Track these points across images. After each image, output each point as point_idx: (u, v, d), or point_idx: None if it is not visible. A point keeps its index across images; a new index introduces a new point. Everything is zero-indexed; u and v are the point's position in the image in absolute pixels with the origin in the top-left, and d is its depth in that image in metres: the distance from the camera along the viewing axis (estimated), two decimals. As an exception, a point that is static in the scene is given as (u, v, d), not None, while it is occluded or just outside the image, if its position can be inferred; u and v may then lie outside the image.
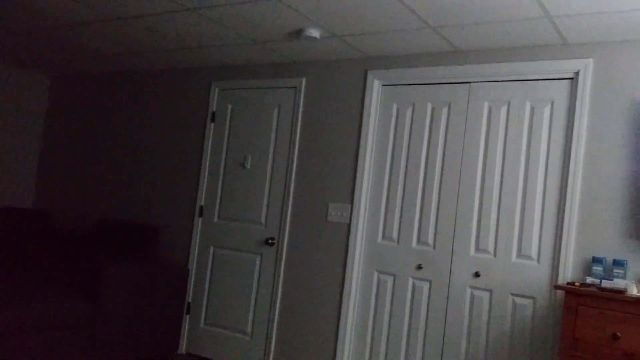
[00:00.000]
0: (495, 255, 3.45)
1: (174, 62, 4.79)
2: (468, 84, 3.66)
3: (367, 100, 3.97)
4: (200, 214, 4.65)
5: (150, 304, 4.19)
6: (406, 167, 3.82)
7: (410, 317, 3.69)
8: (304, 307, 4.06)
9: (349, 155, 4.01)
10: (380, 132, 3.95)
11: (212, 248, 4.57)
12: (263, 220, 4.34)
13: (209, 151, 4.67)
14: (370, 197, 3.93)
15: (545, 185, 3.36)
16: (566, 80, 3.36)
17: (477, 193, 3.54)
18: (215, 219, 4.58)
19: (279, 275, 4.18)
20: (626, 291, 2.71)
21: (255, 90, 4.53)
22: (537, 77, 3.44)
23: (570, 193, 3.22)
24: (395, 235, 3.81)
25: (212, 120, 4.70)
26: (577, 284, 2.88)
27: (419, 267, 3.68)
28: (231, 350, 4.34)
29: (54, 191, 5.64)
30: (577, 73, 3.30)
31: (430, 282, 3.64)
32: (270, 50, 4.13)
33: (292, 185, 4.22)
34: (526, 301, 3.33)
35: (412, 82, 3.85)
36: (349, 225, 3.94)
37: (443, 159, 3.69)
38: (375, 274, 3.85)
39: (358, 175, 3.93)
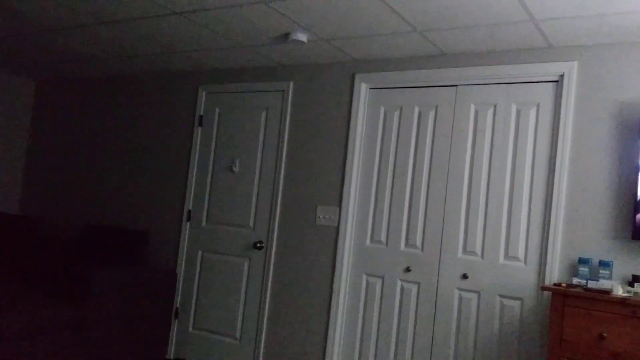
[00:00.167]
0: (482, 257, 3.47)
1: (161, 66, 4.78)
2: (454, 87, 3.68)
3: (354, 103, 3.98)
4: (188, 218, 4.63)
5: (139, 308, 4.17)
6: (394, 169, 3.84)
7: (399, 320, 3.69)
8: (293, 310, 4.06)
9: (337, 159, 4.02)
10: (367, 135, 3.96)
11: (200, 252, 4.55)
12: (251, 224, 4.33)
13: (196, 155, 4.66)
14: (358, 200, 3.94)
15: (531, 187, 3.38)
16: (551, 83, 3.39)
17: (464, 195, 3.56)
18: (204, 223, 4.57)
19: (267, 279, 4.18)
20: (612, 292, 2.74)
21: (242, 94, 4.52)
22: (522, 80, 3.46)
23: (556, 194, 3.25)
24: (383, 237, 3.82)
25: (200, 124, 4.69)
26: (563, 285, 2.91)
27: (408, 270, 3.69)
28: (220, 355, 4.32)
29: (41, 196, 5.60)
30: (562, 76, 3.33)
31: (418, 284, 3.65)
32: (257, 54, 4.13)
33: (281, 188, 4.21)
34: (514, 302, 3.35)
35: (399, 85, 3.87)
36: (337, 228, 3.94)
37: (430, 162, 3.71)
38: (364, 276, 3.86)
39: (346, 178, 3.94)
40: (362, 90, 3.97)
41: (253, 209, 4.34)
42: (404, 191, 3.77)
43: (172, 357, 4.52)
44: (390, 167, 3.85)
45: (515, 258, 3.37)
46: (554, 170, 3.29)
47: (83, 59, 4.82)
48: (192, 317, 4.50)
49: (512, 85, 3.50)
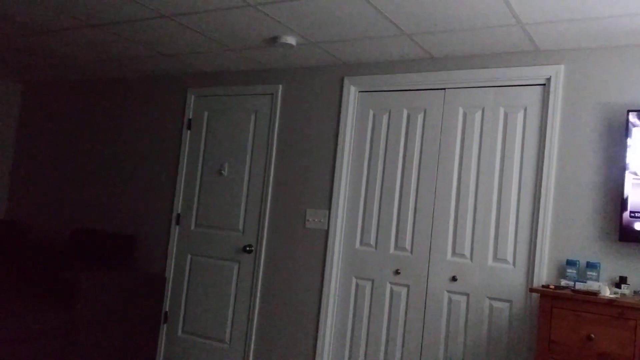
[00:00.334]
0: (471, 260, 3.48)
1: (150, 69, 4.76)
2: (443, 90, 3.70)
3: (343, 106, 3.99)
4: (177, 222, 4.61)
5: (127, 313, 4.14)
6: (383, 172, 3.84)
7: (388, 322, 3.70)
8: (283, 314, 4.05)
9: (326, 162, 4.02)
10: (357, 138, 3.97)
11: (189, 256, 4.53)
12: (241, 228, 4.32)
13: (185, 159, 4.64)
14: (347, 203, 3.94)
15: (519, 189, 3.41)
16: (538, 86, 3.42)
17: (453, 198, 3.58)
18: (193, 227, 4.55)
19: (257, 283, 4.17)
20: (599, 293, 2.76)
21: (231, 97, 4.52)
22: (510, 83, 3.49)
23: (544, 197, 3.27)
24: (372, 240, 3.82)
25: (189, 127, 4.67)
26: (551, 286, 2.93)
27: (397, 272, 3.70)
28: (209, 359, 4.30)
29: (28, 201, 5.54)
30: (548, 79, 3.36)
31: (408, 286, 3.66)
32: (246, 57, 4.12)
33: (270, 192, 4.21)
34: (503, 304, 3.36)
35: (388, 89, 3.88)
36: (327, 231, 3.95)
37: (419, 165, 3.72)
38: (354, 279, 3.86)
39: (335, 181, 3.94)
40: (351, 93, 3.98)
41: (242, 213, 4.33)
42: (392, 194, 3.78)
43: (161, 361, 4.50)
44: (380, 170, 3.86)
45: (504, 260, 3.39)
46: (541, 173, 3.31)
47: (70, 62, 4.79)
48: (181, 321, 4.48)
49: (500, 88, 3.53)
